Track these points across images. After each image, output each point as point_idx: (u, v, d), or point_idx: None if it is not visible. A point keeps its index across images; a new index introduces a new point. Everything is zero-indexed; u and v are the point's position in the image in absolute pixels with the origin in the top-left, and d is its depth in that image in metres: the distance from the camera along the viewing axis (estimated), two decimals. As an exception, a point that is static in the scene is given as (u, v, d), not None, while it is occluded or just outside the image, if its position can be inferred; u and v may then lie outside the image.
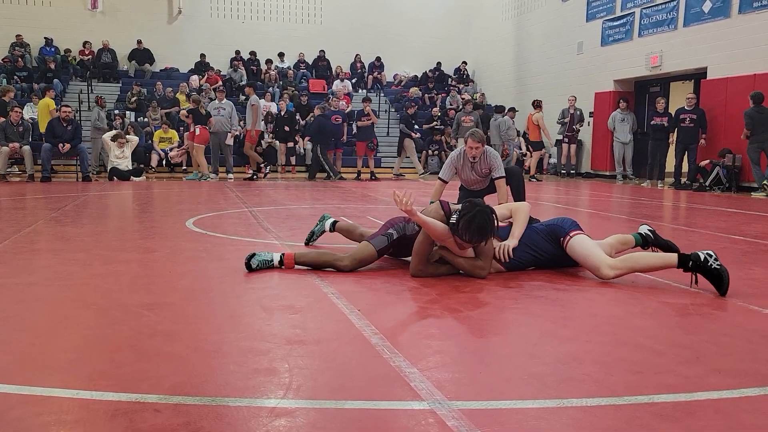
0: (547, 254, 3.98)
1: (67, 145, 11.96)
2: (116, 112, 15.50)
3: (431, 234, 3.71)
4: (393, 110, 19.02)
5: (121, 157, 12.76)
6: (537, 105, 15.17)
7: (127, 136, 13.07)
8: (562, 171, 16.03)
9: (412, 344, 2.58)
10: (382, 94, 19.63)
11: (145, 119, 15.70)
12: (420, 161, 15.83)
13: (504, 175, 6.40)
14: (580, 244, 3.86)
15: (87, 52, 18.48)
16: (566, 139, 15.59)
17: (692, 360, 2.42)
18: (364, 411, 1.94)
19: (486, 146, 6.31)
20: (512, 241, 3.88)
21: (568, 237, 3.90)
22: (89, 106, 16.46)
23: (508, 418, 1.90)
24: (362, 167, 14.48)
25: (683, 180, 12.47)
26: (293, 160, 15.46)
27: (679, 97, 13.56)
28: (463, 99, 16.89)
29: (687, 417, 1.91)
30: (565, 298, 3.40)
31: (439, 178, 6.50)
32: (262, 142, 14.51)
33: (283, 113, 15.45)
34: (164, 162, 14.49)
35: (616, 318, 3.04)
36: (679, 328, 2.88)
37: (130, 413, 1.87)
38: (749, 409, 1.98)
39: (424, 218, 3.66)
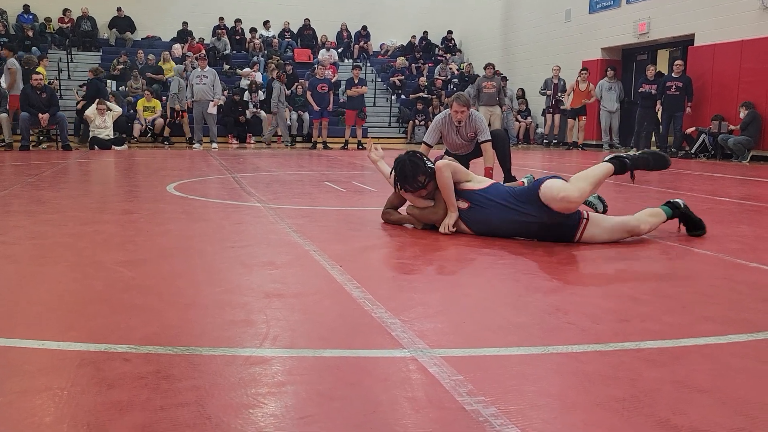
0: (530, 216, 3.53)
1: (46, 115, 11.69)
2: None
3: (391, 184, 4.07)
4: (380, 80, 18.78)
5: (102, 126, 12.51)
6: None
7: (109, 104, 12.78)
8: (545, 141, 15.97)
9: (394, 297, 2.51)
10: (368, 64, 19.34)
11: (126, 88, 15.36)
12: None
13: (490, 138, 6.30)
14: (550, 184, 3.44)
15: (66, 20, 18.01)
16: (550, 109, 15.50)
17: (678, 309, 2.38)
18: (343, 359, 1.88)
19: (471, 110, 6.21)
20: (451, 217, 3.73)
21: (542, 183, 3.47)
22: (69, 75, 16.10)
23: (491, 364, 1.85)
24: (350, 137, 14.32)
25: (669, 148, 12.44)
26: (279, 130, 15.22)
27: (663, 66, 13.45)
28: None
29: (673, 362, 1.86)
30: (549, 256, 3.34)
31: (424, 142, 6.39)
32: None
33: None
34: (149, 132, 14.20)
35: (602, 274, 3.00)
36: (665, 281, 2.84)
37: (98, 362, 1.79)
38: (737, 354, 1.93)
39: (384, 170, 4.20)
